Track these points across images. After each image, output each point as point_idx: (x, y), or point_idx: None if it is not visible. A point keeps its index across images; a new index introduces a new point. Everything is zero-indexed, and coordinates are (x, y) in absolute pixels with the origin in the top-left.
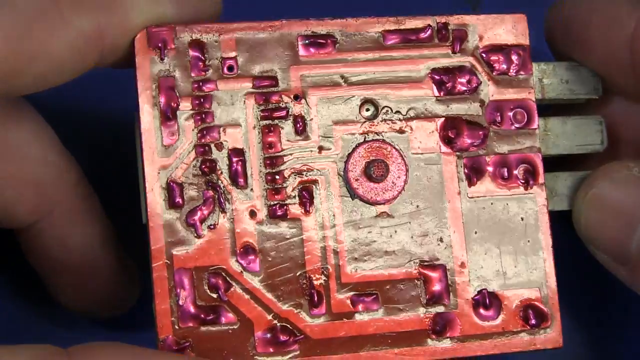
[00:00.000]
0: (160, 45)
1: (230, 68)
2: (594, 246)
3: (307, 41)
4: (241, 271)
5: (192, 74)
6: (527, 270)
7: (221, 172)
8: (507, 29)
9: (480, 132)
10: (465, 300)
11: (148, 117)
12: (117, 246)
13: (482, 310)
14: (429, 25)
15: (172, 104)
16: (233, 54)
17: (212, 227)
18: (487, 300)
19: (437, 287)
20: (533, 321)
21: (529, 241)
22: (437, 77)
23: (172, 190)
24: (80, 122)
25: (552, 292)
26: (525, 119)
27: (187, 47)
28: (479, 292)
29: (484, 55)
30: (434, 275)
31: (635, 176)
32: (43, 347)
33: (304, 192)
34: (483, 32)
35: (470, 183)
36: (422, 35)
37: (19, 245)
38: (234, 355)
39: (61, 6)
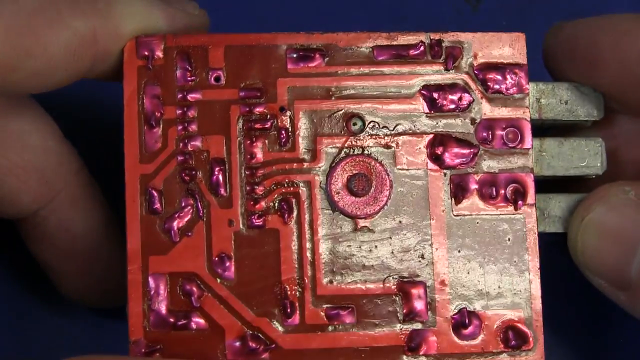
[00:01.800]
0: (148, 54)
1: (217, 79)
2: (591, 272)
3: (295, 54)
4: (215, 278)
5: (178, 84)
6: (511, 292)
7: (201, 181)
8: (504, 48)
9: (470, 150)
10: (444, 319)
11: (131, 124)
12: (120, 234)
13: (461, 329)
14: (422, 42)
15: (156, 113)
16: (220, 65)
17: (189, 234)
18: (467, 319)
19: (415, 303)
20: (514, 342)
21: (515, 262)
22: (427, 93)
23: (152, 197)
24: (80, 116)
25: (537, 314)
26: (518, 138)
27: (175, 57)
28: (459, 310)
29: (478, 73)
30: (413, 291)
31: (632, 200)
32: None
33: (283, 204)
34: (478, 49)
35: (457, 201)
36: (414, 51)
37: (20, 237)
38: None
39: (59, 6)
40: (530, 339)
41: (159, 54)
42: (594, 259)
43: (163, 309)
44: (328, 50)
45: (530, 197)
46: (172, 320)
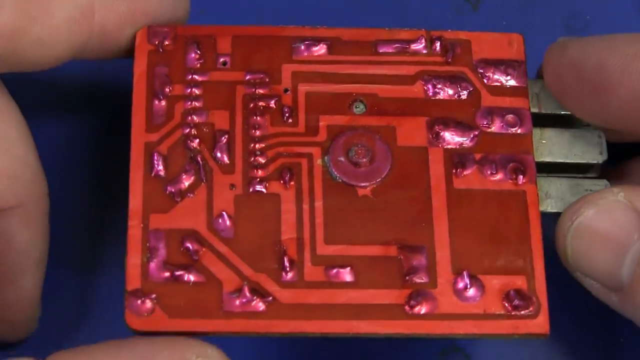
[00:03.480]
0: (158, 41)
1: (224, 63)
2: (581, 274)
3: (300, 44)
4: (215, 235)
5: (187, 65)
6: (514, 260)
7: (205, 149)
8: (503, 46)
9: (470, 132)
10: (445, 280)
11: (140, 98)
12: (43, 271)
13: (462, 291)
14: (422, 36)
15: (165, 88)
16: (228, 51)
17: (190, 195)
18: (469, 281)
19: (416, 265)
20: (517, 302)
21: (517, 233)
22: (428, 81)
23: (155, 161)
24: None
25: (540, 282)
26: (518, 124)
27: (184, 44)
28: (460, 273)
29: (477, 66)
30: (414, 255)
31: (621, 202)
32: None
33: (285, 172)
34: (477, 47)
35: (457, 175)
36: (415, 45)
37: None
38: (199, 311)
39: None
40: (534, 302)
41: (169, 41)
42: (584, 262)
43: (161, 262)
44: (332, 42)
45: (530, 174)
46: (169, 273)
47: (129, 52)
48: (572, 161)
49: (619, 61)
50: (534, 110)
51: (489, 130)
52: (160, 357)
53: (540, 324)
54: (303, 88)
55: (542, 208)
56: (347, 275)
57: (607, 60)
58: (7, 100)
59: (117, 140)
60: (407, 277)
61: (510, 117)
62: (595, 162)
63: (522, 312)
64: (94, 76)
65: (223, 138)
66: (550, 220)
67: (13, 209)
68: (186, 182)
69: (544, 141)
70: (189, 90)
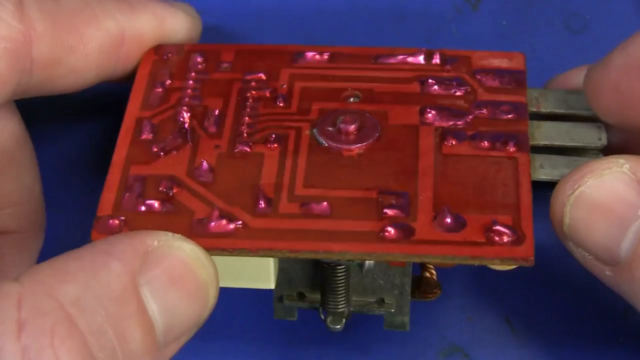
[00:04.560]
0: (164, 53)
1: (224, 68)
2: (576, 245)
3: (303, 55)
4: (193, 180)
5: (189, 65)
6: (499, 203)
7: (195, 122)
8: (503, 61)
9: (463, 116)
10: (425, 215)
11: (139, 86)
12: None
13: (443, 223)
14: (422, 52)
15: (165, 80)
16: (230, 60)
17: (174, 152)
18: (450, 216)
19: (395, 203)
20: (500, 230)
21: (504, 184)
22: (424, 81)
23: (144, 126)
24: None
25: (526, 219)
26: (515, 112)
27: (190, 54)
28: (442, 210)
29: (476, 73)
30: (395, 197)
31: (625, 174)
32: None
33: (271, 137)
34: (477, 61)
35: (448, 143)
36: (414, 58)
37: None
38: (167, 229)
39: (94, 8)
40: (518, 233)
41: (175, 54)
42: (582, 233)
43: (135, 196)
44: (333, 54)
45: (523, 145)
46: (141, 203)
47: None
48: (569, 144)
49: None
50: (532, 109)
51: (484, 115)
52: (119, 248)
53: (524, 249)
54: (299, 84)
55: (534, 176)
56: (322, 209)
57: None
58: (22, 130)
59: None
60: (384, 211)
61: (505, 106)
62: (593, 145)
63: (505, 240)
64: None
65: (214, 112)
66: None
67: (10, 234)
68: (171, 143)
69: (540, 128)
70: (188, 83)
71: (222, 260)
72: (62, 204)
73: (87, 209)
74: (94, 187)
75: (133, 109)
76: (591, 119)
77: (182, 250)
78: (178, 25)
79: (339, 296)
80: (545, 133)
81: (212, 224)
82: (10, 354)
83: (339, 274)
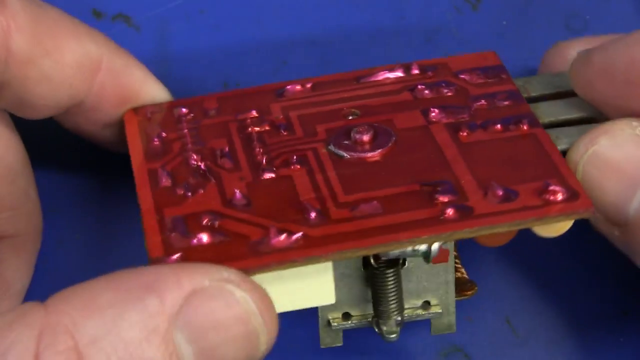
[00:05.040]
0: (146, 113)
1: (212, 115)
2: None
3: (285, 88)
4: (232, 209)
5: (177, 117)
6: (539, 172)
7: (208, 161)
8: (479, 61)
9: (465, 109)
10: (475, 193)
11: (134, 139)
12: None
13: (496, 197)
14: (399, 66)
15: (160, 133)
16: (215, 106)
17: (201, 190)
18: (501, 190)
19: (442, 190)
20: (554, 189)
21: (535, 157)
22: (412, 90)
23: (160, 175)
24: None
25: (570, 175)
26: (511, 99)
27: (171, 109)
28: (490, 186)
29: (459, 74)
30: (439, 186)
31: (639, 136)
32: (21, 307)
33: (292, 158)
34: (455, 65)
35: (464, 134)
36: (394, 73)
37: None
38: (230, 255)
39: (78, 26)
40: (571, 190)
41: (156, 112)
42: (594, 191)
43: (182, 233)
44: (314, 83)
45: (535, 123)
46: (192, 238)
47: (110, 137)
48: (574, 116)
49: None
50: (524, 95)
51: (483, 106)
52: (164, 282)
53: (582, 202)
54: (294, 113)
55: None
56: (374, 207)
57: (636, 56)
58: (13, 134)
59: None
60: (436, 197)
61: (501, 95)
62: (593, 116)
63: (561, 198)
64: None
65: (224, 150)
66: None
67: (7, 237)
68: (193, 182)
69: (539, 109)
70: (184, 131)
71: (279, 284)
72: (58, 206)
73: (84, 210)
74: (93, 186)
75: (139, 162)
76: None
77: (233, 296)
78: (157, 93)
79: (392, 302)
80: (546, 111)
81: (274, 240)
82: None
83: (391, 278)
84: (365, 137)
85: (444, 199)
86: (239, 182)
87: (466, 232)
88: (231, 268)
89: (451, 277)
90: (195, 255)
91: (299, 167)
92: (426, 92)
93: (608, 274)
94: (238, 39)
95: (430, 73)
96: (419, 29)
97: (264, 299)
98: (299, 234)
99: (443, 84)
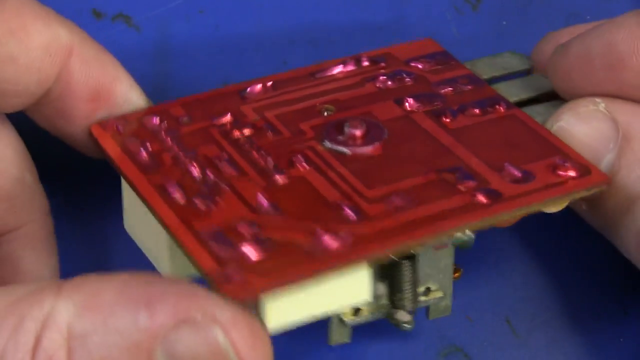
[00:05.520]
0: (115, 126)
1: (186, 121)
2: None
3: (246, 90)
4: (263, 215)
5: (153, 128)
6: (540, 150)
7: (209, 170)
8: (420, 49)
9: (436, 97)
10: (493, 176)
11: (118, 155)
12: None
13: (516, 178)
14: (347, 60)
15: (145, 144)
16: (183, 113)
17: (220, 200)
18: (516, 170)
19: (461, 177)
20: (569, 166)
21: (529, 137)
22: (375, 80)
23: (169, 190)
24: None
25: (571, 152)
26: (472, 83)
27: (139, 120)
28: (504, 168)
29: (409, 62)
30: (454, 173)
31: (601, 111)
32: (36, 282)
33: (297, 159)
34: (399, 54)
35: (450, 121)
36: (346, 67)
37: None
38: (291, 263)
39: (49, 12)
40: (581, 164)
41: (124, 125)
42: None
43: (228, 245)
44: (273, 82)
45: (508, 104)
46: (243, 249)
47: (75, 136)
48: (534, 94)
49: (626, 34)
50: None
51: (451, 91)
52: (163, 302)
53: (597, 175)
54: (270, 114)
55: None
56: (405, 199)
57: (614, 38)
58: (1, 121)
59: None
60: (459, 186)
61: (462, 80)
62: (552, 92)
63: (577, 174)
64: None
65: (222, 156)
66: None
67: (13, 232)
68: (208, 192)
69: (499, 90)
70: (167, 140)
71: (316, 287)
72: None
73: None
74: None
75: (137, 178)
76: (527, 72)
77: (216, 339)
78: (131, 93)
79: (409, 292)
80: (507, 92)
81: (325, 242)
82: None
83: (408, 267)
84: (359, 132)
85: (468, 184)
86: (253, 188)
87: (504, 215)
88: (228, 310)
89: (450, 261)
90: (252, 267)
91: (307, 167)
92: (389, 82)
93: (608, 274)
94: (238, 39)
95: (382, 64)
96: (419, 29)
97: (249, 351)
98: (348, 234)
99: (403, 74)
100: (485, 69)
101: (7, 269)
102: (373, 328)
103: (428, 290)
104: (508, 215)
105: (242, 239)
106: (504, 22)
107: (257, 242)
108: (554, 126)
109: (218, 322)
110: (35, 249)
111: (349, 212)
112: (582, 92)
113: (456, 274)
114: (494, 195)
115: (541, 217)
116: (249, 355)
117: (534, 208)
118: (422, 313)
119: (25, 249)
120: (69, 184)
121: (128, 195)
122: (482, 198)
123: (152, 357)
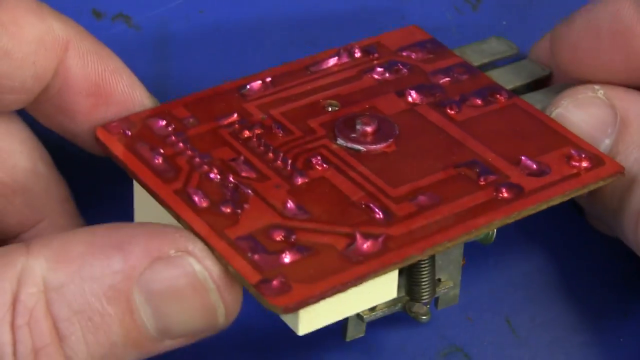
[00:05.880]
0: (120, 130)
1: (192, 123)
2: None
3: (246, 87)
4: (294, 220)
5: (161, 132)
6: (550, 141)
7: (229, 174)
8: (408, 36)
9: (435, 89)
10: (512, 171)
11: (131, 161)
12: None
13: (533, 171)
14: (340, 50)
15: (158, 149)
16: (187, 115)
17: (245, 205)
18: (533, 163)
19: (480, 171)
20: (583, 157)
21: (535, 128)
22: (371, 72)
23: (192, 196)
24: None
25: (580, 141)
26: (467, 70)
27: (144, 123)
28: (520, 161)
29: (400, 51)
30: (472, 166)
31: (599, 98)
32: (3, 247)
33: (313, 160)
34: (389, 42)
35: (454, 113)
36: (340, 59)
37: None
38: (332, 269)
39: (42, 7)
40: (593, 155)
41: (129, 127)
42: None
43: (265, 254)
44: (272, 77)
45: (508, 93)
46: (281, 256)
47: (87, 136)
48: (527, 81)
49: (632, 1)
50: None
51: (448, 81)
52: (133, 245)
53: (610, 164)
54: (276, 111)
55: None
56: (431, 197)
57: (621, 6)
58: (6, 114)
59: None
60: (480, 181)
61: (456, 69)
62: (543, 74)
63: (591, 164)
64: None
65: (239, 160)
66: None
67: (34, 228)
68: (232, 197)
69: (493, 76)
70: (179, 145)
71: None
72: None
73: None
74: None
75: (157, 185)
76: (515, 58)
77: (192, 269)
78: (131, 87)
79: (429, 285)
80: (501, 79)
81: (365, 246)
82: (0, 321)
83: (428, 261)
84: (371, 128)
85: (488, 179)
86: (277, 190)
87: (530, 210)
88: (199, 242)
89: (460, 252)
90: (294, 275)
91: (326, 166)
92: (386, 75)
93: (608, 274)
94: (238, 39)
95: (375, 54)
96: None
97: (223, 276)
98: (381, 237)
99: (398, 64)
100: (474, 55)
101: None
102: (372, 328)
103: (439, 281)
104: (533, 210)
105: (277, 245)
106: (504, 22)
107: (293, 247)
108: (552, 113)
109: (191, 253)
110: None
111: (379, 213)
112: (588, 64)
113: (462, 262)
114: (517, 190)
115: (541, 217)
116: (224, 283)
117: (556, 201)
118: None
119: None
120: (74, 182)
121: (139, 195)
122: (505, 193)
123: (130, 298)
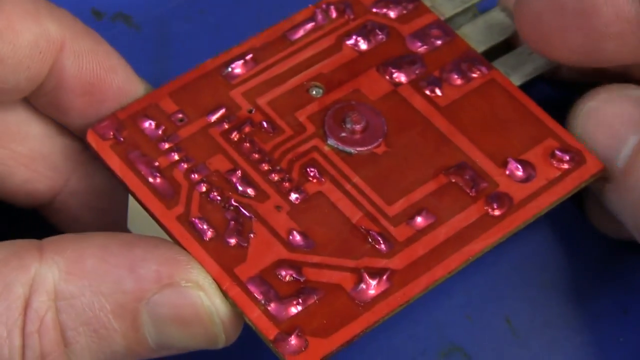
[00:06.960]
0: (111, 134)
1: (181, 119)
2: None
3: (229, 69)
4: (300, 253)
5: (153, 138)
6: (533, 132)
7: (229, 193)
8: None
9: (415, 61)
10: (499, 175)
11: (135, 185)
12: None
13: (519, 176)
14: (316, 10)
15: (152, 164)
16: (175, 109)
17: (251, 235)
18: (519, 165)
19: (470, 179)
20: (566, 157)
21: (516, 112)
22: (350, 41)
23: (198, 227)
24: None
25: (565, 135)
26: (443, 33)
27: (134, 122)
28: (507, 163)
29: (375, 10)
30: (462, 174)
31: (634, 96)
32: (14, 243)
33: (309, 170)
34: None
35: (432, 95)
36: (315, 21)
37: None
38: (344, 317)
39: (39, 6)
40: (577, 152)
41: (119, 129)
42: (589, 142)
43: (278, 300)
44: (252, 53)
45: (486, 64)
46: (293, 304)
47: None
48: (500, 39)
49: None
50: (440, 18)
51: (426, 50)
52: (146, 268)
53: (594, 163)
54: (261, 101)
55: (515, 82)
56: (427, 217)
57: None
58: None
59: None
60: (471, 192)
61: (433, 32)
62: (513, 29)
63: (574, 164)
64: None
65: (236, 174)
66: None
67: (67, 187)
68: (238, 227)
69: (466, 37)
70: (174, 155)
71: None
72: None
73: None
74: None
75: (161, 212)
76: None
77: (201, 302)
78: (126, 82)
79: None
80: (474, 39)
81: (372, 287)
82: (12, 325)
83: None
84: (360, 126)
85: (479, 188)
86: (277, 213)
87: (520, 227)
88: (209, 277)
89: None
90: (309, 327)
91: (323, 180)
92: (365, 44)
93: (608, 273)
94: (238, 39)
95: (351, 15)
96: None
97: (229, 315)
98: (387, 273)
99: (375, 29)
100: (445, 5)
101: (89, 215)
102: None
103: None
104: (523, 225)
105: (287, 287)
106: None
107: (303, 291)
108: (586, 104)
109: (202, 288)
110: (96, 185)
111: (382, 243)
112: (549, 39)
113: None
114: (507, 201)
115: (541, 217)
116: (231, 318)
117: (543, 212)
118: (422, 312)
119: (88, 192)
120: None
121: (134, 204)
122: (497, 210)
123: (136, 317)
